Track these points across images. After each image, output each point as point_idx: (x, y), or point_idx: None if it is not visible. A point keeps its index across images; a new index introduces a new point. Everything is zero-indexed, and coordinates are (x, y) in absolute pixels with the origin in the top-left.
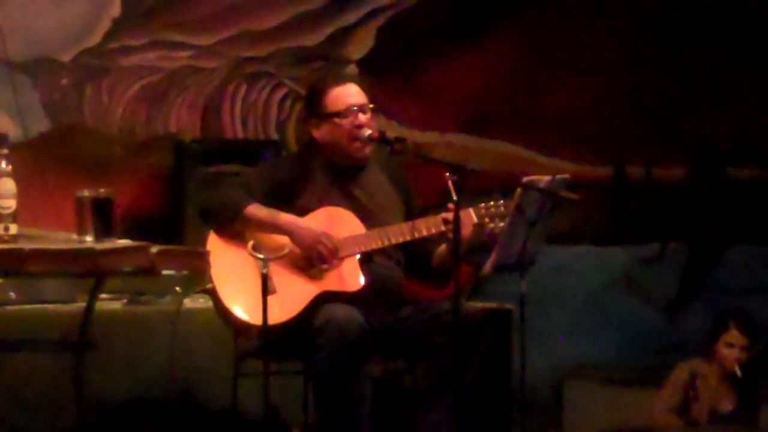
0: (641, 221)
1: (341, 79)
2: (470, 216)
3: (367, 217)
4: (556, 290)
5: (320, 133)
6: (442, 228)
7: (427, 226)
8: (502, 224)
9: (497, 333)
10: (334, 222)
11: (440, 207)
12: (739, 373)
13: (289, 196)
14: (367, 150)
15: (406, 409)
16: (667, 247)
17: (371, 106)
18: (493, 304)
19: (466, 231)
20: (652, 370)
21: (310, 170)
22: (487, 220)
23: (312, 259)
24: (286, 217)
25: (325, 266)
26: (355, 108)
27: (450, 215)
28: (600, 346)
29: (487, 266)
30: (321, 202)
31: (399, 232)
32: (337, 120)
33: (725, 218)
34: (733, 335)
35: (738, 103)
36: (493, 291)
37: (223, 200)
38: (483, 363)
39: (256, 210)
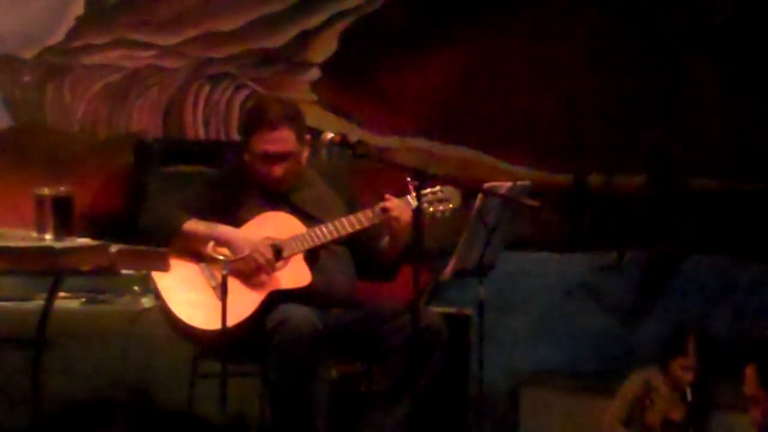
0: (600, 229)
1: (272, 123)
2: (409, 202)
3: (309, 221)
4: (514, 296)
5: (246, 157)
6: (382, 217)
7: (367, 217)
8: (441, 208)
9: (455, 338)
10: (276, 225)
11: None
12: (690, 397)
13: (230, 210)
14: (280, 175)
15: (363, 412)
16: (625, 255)
17: (305, 145)
18: (451, 309)
19: (406, 216)
20: (609, 377)
21: (248, 182)
22: (426, 204)
23: (250, 269)
24: (224, 229)
25: (262, 277)
26: (271, 157)
27: (388, 203)
28: (557, 353)
29: (447, 271)
30: (261, 212)
31: (340, 226)
32: (255, 156)
33: (684, 227)
34: (690, 360)
35: (698, 113)
36: (452, 296)
37: (160, 220)
38: (440, 368)
39: (193, 225)
